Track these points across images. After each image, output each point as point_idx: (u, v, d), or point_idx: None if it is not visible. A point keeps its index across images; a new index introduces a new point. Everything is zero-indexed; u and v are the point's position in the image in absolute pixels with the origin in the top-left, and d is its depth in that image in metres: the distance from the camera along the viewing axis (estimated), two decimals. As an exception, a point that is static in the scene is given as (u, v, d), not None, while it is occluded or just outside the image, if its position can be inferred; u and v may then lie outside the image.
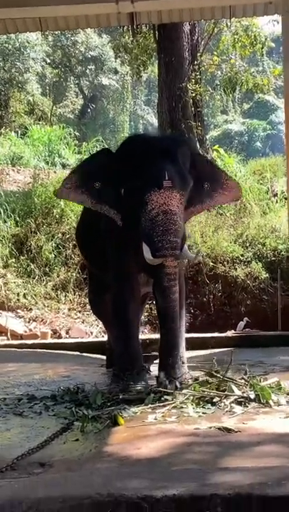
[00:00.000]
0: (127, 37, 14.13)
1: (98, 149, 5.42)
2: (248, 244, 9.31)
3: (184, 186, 4.13)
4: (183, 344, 4.46)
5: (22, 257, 9.15)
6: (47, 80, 23.43)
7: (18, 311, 8.47)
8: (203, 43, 13.06)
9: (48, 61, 22.05)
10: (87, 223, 5.25)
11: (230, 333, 7.27)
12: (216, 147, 13.61)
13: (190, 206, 4.45)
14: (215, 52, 13.57)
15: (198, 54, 12.37)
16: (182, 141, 4.80)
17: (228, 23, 11.92)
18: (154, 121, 22.91)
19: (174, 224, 4.04)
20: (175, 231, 4.05)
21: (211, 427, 3.30)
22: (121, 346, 4.59)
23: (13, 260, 9.08)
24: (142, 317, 6.82)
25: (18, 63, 19.26)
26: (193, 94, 11.86)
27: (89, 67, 24.16)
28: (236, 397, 3.84)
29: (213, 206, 4.92)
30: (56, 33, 20.09)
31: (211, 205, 4.96)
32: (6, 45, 18.84)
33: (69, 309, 8.64)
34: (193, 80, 11.84)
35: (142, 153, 4.21)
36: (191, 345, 6.45)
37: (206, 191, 4.56)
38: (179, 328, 4.31)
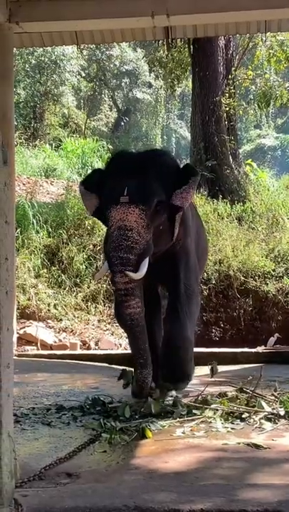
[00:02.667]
0: (161, 51, 14.22)
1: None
2: (279, 260, 9.25)
3: (146, 200, 3.98)
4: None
5: (53, 268, 9.21)
6: (82, 93, 23.65)
7: (49, 321, 8.51)
8: (237, 57, 13.09)
9: (83, 74, 22.26)
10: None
11: (260, 349, 7.20)
12: (248, 161, 13.60)
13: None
14: (249, 67, 13.57)
15: (233, 68, 12.39)
16: (161, 154, 4.63)
17: (264, 38, 11.93)
18: (187, 135, 22.95)
19: (127, 240, 3.89)
20: (127, 247, 3.89)
21: (239, 443, 3.27)
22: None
23: (45, 271, 9.13)
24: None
25: (54, 76, 19.47)
26: (227, 109, 11.89)
27: (123, 80, 24.34)
28: (266, 413, 3.81)
29: None
30: (91, 47, 20.30)
31: None
32: (42, 58, 19.07)
33: (99, 321, 8.66)
34: (227, 94, 11.87)
35: (109, 169, 4.23)
36: (221, 360, 6.43)
37: None
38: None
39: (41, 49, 17.44)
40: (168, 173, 4.23)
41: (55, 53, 18.88)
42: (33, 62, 19.17)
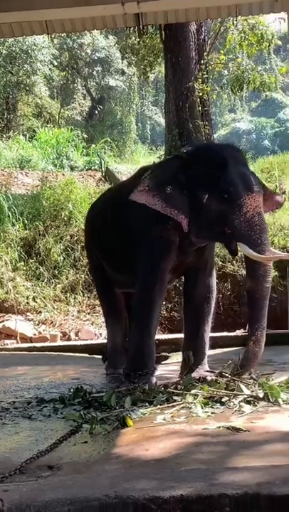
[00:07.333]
0: (133, 38, 14.15)
1: (169, 156, 5.60)
2: (256, 243, 9.28)
3: (261, 192, 4.44)
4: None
5: (31, 260, 9.17)
6: (54, 83, 23.46)
7: (28, 314, 8.49)
8: (209, 42, 13.04)
9: (55, 63, 22.05)
10: (106, 220, 5.17)
11: (239, 333, 7.25)
12: (224, 146, 13.57)
13: None
14: (222, 51, 13.54)
15: (205, 53, 12.35)
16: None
17: (235, 22, 11.91)
18: (162, 121, 22.91)
19: (265, 224, 4.39)
20: (266, 230, 4.42)
21: (219, 427, 3.29)
22: (138, 346, 4.57)
23: (22, 263, 9.10)
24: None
25: (25, 66, 19.26)
26: (201, 94, 11.85)
27: (96, 68, 24.15)
28: (245, 396, 3.83)
29: None
30: (63, 35, 20.10)
31: None
32: (14, 48, 18.85)
33: (78, 311, 8.65)
34: (200, 80, 11.83)
35: (223, 161, 4.36)
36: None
37: None
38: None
39: (12, 39, 17.25)
40: None
41: (26, 43, 18.67)
42: (4, 52, 18.96)
